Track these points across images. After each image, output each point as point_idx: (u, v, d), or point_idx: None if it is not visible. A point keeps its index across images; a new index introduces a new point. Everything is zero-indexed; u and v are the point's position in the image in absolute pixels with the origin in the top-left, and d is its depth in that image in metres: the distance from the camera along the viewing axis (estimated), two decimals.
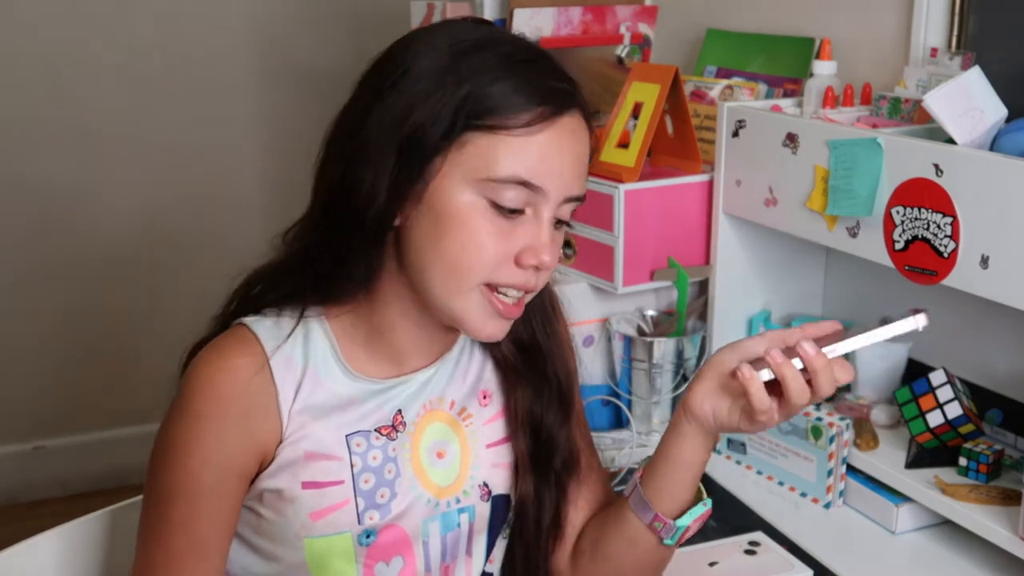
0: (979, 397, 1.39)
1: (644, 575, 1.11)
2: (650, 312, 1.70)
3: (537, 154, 0.97)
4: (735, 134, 1.52)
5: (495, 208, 0.97)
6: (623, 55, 1.85)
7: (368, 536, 1.04)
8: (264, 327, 1.01)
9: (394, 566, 1.05)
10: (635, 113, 1.64)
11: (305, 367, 1.01)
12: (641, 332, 1.67)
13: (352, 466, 1.03)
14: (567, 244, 1.69)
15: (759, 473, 1.51)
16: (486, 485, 1.10)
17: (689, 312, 1.65)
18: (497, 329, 1.01)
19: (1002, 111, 1.26)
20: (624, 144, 1.62)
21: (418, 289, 1.00)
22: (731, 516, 1.41)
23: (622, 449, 1.59)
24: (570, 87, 1.00)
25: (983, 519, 1.24)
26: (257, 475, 1.01)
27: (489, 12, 1.80)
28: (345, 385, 1.03)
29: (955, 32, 1.47)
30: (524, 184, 0.96)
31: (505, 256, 0.98)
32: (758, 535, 1.29)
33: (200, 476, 0.99)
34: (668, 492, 1.05)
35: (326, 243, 1.00)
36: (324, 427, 1.02)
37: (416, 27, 1.01)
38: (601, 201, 1.60)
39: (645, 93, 1.62)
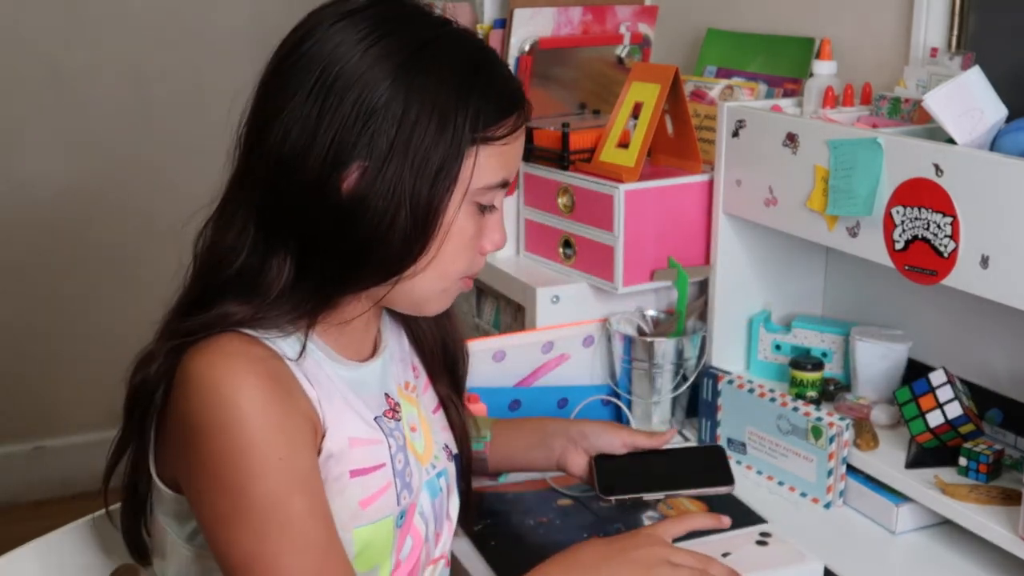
0: (979, 397, 1.39)
1: None
2: (650, 312, 1.70)
3: (514, 155, 1.02)
4: (735, 134, 1.52)
5: (479, 209, 1.02)
6: (623, 55, 1.85)
7: (401, 517, 1.06)
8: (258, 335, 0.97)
9: (407, 546, 1.08)
10: (635, 113, 1.64)
11: (303, 363, 0.99)
12: (641, 332, 1.67)
13: (389, 448, 1.05)
14: (567, 244, 1.69)
15: (759, 473, 1.51)
16: (447, 447, 1.17)
17: (689, 312, 1.65)
18: (450, 303, 1.09)
19: (1002, 111, 1.26)
20: (624, 144, 1.62)
21: (393, 292, 1.01)
22: (731, 516, 1.40)
23: None
24: (522, 86, 1.05)
25: (983, 519, 1.24)
26: None
27: (489, 12, 1.80)
28: (337, 372, 1.04)
29: (955, 32, 1.47)
30: (506, 184, 1.02)
31: (479, 250, 1.04)
32: (769, 527, 1.30)
33: (298, 461, 0.94)
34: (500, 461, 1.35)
35: (333, 280, 0.98)
36: (354, 413, 1.03)
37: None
38: (601, 201, 1.61)
39: (645, 93, 1.62)
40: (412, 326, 1.19)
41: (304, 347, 0.99)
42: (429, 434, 1.14)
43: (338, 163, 0.94)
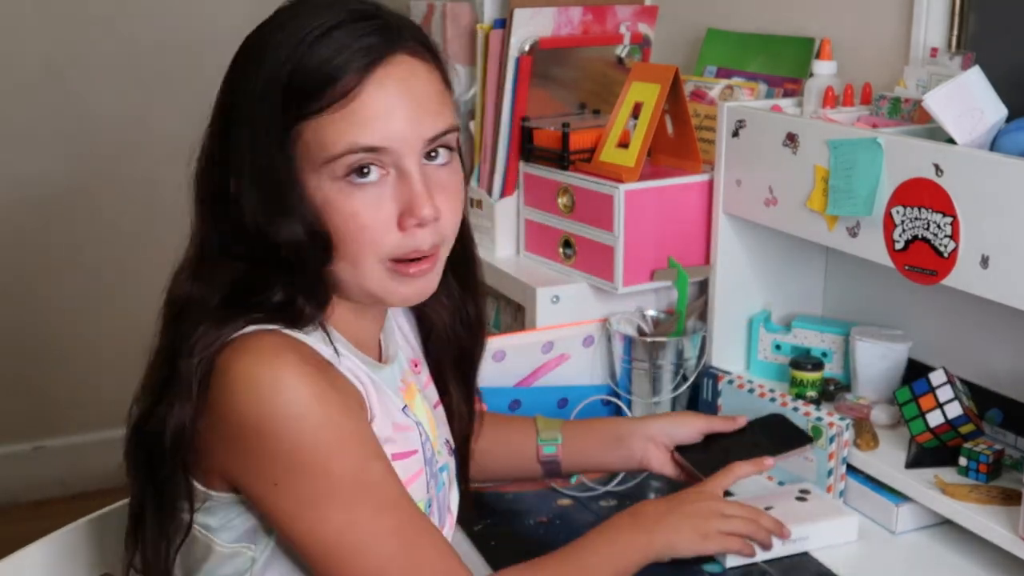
0: (979, 397, 1.39)
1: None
2: (650, 312, 1.70)
3: (364, 116, 0.94)
4: (735, 134, 1.52)
5: (351, 183, 0.95)
6: (623, 55, 1.85)
7: (429, 506, 1.08)
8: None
9: None
10: (635, 113, 1.64)
11: (336, 353, 1.01)
12: (641, 332, 1.67)
13: (420, 436, 1.07)
14: (567, 244, 1.69)
15: (759, 473, 1.51)
16: (448, 442, 1.18)
17: (689, 312, 1.65)
18: (416, 290, 1.02)
19: (1002, 111, 1.26)
20: (624, 144, 1.62)
21: (335, 285, 1.01)
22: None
23: None
24: (378, 37, 0.96)
25: (983, 519, 1.24)
26: None
27: (489, 12, 1.80)
28: (369, 370, 1.05)
29: (955, 32, 1.47)
30: (365, 150, 0.94)
31: (386, 226, 0.97)
32: (808, 484, 1.37)
33: (364, 430, 0.97)
34: (574, 464, 1.36)
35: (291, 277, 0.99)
36: (390, 401, 1.05)
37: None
38: (601, 201, 1.61)
39: (645, 93, 1.62)
40: (424, 323, 1.20)
41: (332, 344, 1.00)
42: (434, 429, 1.15)
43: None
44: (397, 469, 1.02)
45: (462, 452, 1.23)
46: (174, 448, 0.96)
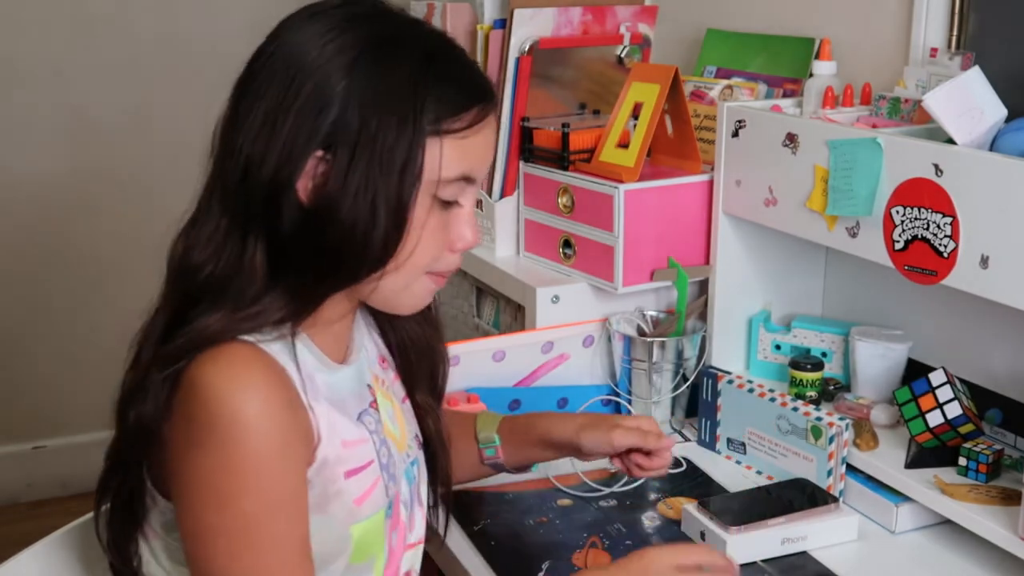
0: (979, 397, 1.39)
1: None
2: (650, 312, 1.70)
3: (476, 150, 1.01)
4: (735, 134, 1.52)
5: (438, 203, 1.00)
6: (623, 55, 1.85)
7: (390, 507, 1.08)
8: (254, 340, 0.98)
9: (396, 535, 1.10)
10: (635, 113, 1.64)
11: (297, 366, 1.00)
12: (641, 332, 1.67)
13: (374, 444, 1.07)
14: (567, 244, 1.70)
15: (759, 473, 1.51)
16: (418, 436, 1.19)
17: (689, 312, 1.65)
18: (428, 301, 1.09)
19: (1002, 111, 1.26)
20: (624, 144, 1.62)
21: (360, 289, 1.02)
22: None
23: None
24: (489, 81, 1.05)
25: (983, 519, 1.24)
26: None
27: (489, 12, 1.80)
28: (326, 374, 1.04)
29: (955, 32, 1.47)
30: (466, 179, 1.01)
31: (444, 247, 1.03)
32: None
33: (288, 483, 0.95)
34: (516, 462, 1.34)
35: (308, 281, 0.98)
36: (340, 415, 1.03)
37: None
38: (601, 201, 1.61)
39: (645, 93, 1.62)
40: (397, 329, 1.19)
41: (295, 350, 0.99)
42: (403, 424, 1.16)
43: (296, 156, 0.94)
44: (351, 485, 1.02)
45: (444, 463, 1.22)
46: (131, 444, 0.98)
